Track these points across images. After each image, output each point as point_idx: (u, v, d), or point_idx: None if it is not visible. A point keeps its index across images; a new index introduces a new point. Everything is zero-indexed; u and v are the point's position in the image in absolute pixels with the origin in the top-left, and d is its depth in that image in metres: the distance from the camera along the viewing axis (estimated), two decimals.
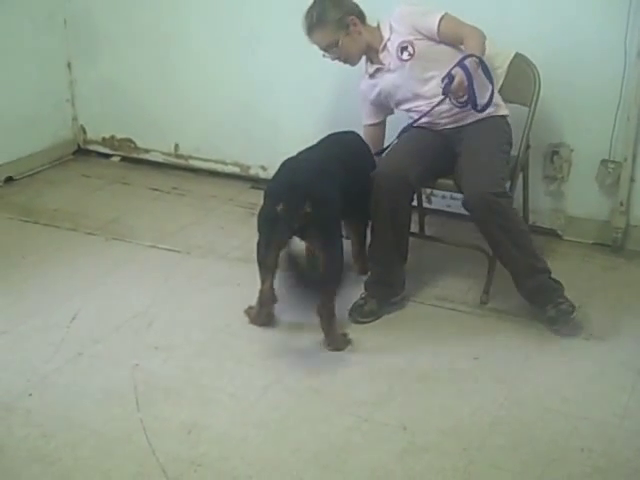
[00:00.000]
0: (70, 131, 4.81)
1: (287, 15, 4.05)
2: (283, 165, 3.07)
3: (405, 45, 3.22)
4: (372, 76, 3.37)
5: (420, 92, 3.27)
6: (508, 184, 3.27)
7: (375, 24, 3.33)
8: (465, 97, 3.05)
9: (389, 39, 3.27)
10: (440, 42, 3.22)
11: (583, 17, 3.50)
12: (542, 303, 3.10)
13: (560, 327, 3.05)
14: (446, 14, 3.20)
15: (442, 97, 3.09)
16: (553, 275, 3.12)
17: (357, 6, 3.32)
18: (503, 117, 3.30)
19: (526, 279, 3.10)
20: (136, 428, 2.57)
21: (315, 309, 2.95)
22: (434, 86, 3.21)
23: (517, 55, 3.33)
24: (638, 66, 3.44)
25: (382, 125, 3.49)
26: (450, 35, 3.20)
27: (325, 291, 2.94)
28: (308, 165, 3.05)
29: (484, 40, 3.16)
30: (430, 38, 3.21)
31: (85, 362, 2.90)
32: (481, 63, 3.07)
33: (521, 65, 3.34)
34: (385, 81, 3.33)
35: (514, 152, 3.34)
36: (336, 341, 2.99)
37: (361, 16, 3.31)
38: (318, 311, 2.95)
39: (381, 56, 3.31)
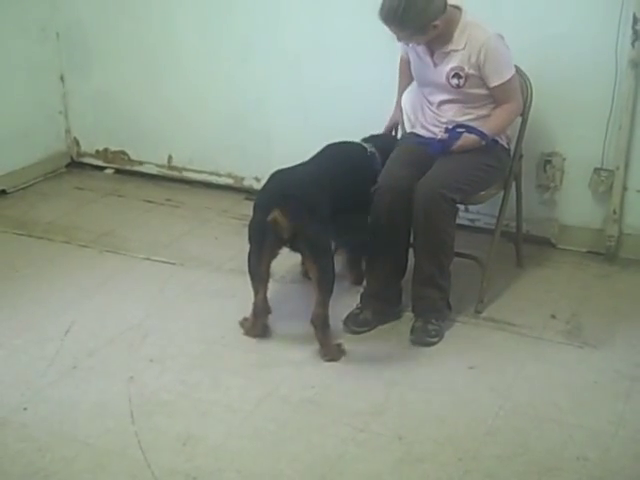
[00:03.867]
0: (63, 144, 4.81)
1: (279, 26, 4.09)
2: (272, 177, 3.08)
3: (461, 75, 3.10)
4: (417, 48, 3.19)
5: (433, 101, 3.24)
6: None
7: (458, 4, 3.07)
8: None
9: (456, 50, 3.09)
10: (485, 86, 3.15)
11: (574, 27, 3.51)
12: (418, 311, 3.14)
13: (415, 340, 3.08)
14: (512, 77, 3.12)
15: (438, 140, 3.16)
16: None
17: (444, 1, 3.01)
18: (501, 145, 3.27)
19: (419, 285, 3.13)
20: (131, 441, 2.56)
21: (309, 320, 2.96)
22: (447, 111, 3.20)
23: None
24: (629, 75, 3.45)
25: None
26: (497, 96, 3.15)
27: (318, 301, 2.94)
28: (297, 176, 3.06)
29: (510, 123, 3.23)
30: (482, 80, 3.12)
31: (80, 375, 2.90)
32: (485, 139, 3.12)
33: None
34: (422, 69, 3.22)
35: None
36: (331, 352, 2.99)
37: (445, 8, 3.00)
38: (312, 322, 2.95)
39: (437, 54, 3.13)
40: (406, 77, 3.42)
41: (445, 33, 3.08)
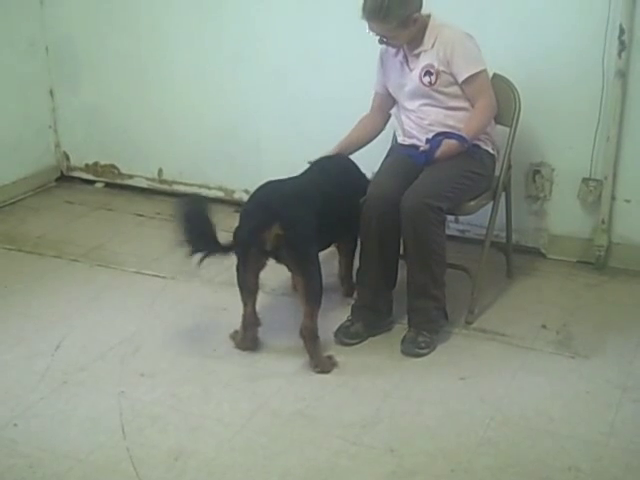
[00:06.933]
0: (53, 158, 4.80)
1: (269, 37, 4.10)
2: (260, 187, 3.11)
3: (432, 72, 3.17)
4: (394, 57, 3.29)
5: (412, 109, 3.28)
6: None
7: (427, 13, 3.19)
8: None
9: (426, 51, 3.19)
10: (458, 85, 3.20)
11: (561, 38, 3.54)
12: (412, 322, 3.15)
13: (404, 350, 3.09)
14: (482, 72, 3.17)
15: (419, 153, 3.17)
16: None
17: None
18: (487, 152, 3.29)
19: (414, 296, 3.15)
20: (122, 456, 2.55)
21: (298, 331, 2.96)
22: (429, 114, 3.23)
23: (496, 76, 3.35)
24: (616, 85, 3.48)
25: (390, 97, 3.40)
26: (468, 92, 3.20)
27: (306, 312, 2.95)
28: (281, 188, 3.08)
29: (489, 121, 3.24)
30: (452, 76, 3.18)
31: (70, 390, 2.89)
32: (465, 143, 3.13)
33: (501, 86, 3.36)
34: (401, 78, 3.28)
35: (496, 172, 3.37)
36: (321, 363, 2.99)
37: (420, 7, 3.15)
38: (301, 333, 2.96)
39: (410, 58, 3.24)
40: (363, 129, 3.44)
41: (417, 37, 3.19)
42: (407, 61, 3.25)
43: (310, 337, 2.96)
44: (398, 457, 2.54)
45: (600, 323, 3.29)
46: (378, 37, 3.16)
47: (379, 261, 3.16)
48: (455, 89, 3.21)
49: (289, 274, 3.37)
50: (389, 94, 3.38)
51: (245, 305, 3.07)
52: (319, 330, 2.99)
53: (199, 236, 3.04)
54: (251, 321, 3.09)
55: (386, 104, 3.42)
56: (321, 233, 2.99)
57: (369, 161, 3.51)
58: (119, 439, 2.63)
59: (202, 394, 2.87)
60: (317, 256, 3.01)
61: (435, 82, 3.19)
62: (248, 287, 3.04)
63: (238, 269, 3.03)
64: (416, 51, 3.21)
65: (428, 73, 3.19)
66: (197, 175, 4.50)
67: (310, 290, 2.95)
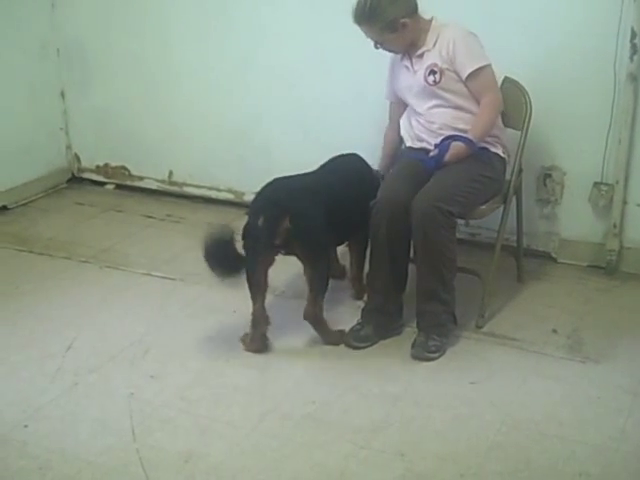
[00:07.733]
0: (64, 159, 4.82)
1: (278, 40, 4.11)
2: (268, 183, 3.14)
3: (435, 71, 3.19)
4: (400, 62, 3.32)
5: (421, 112, 3.28)
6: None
7: (428, 17, 3.22)
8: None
9: (429, 50, 3.21)
10: (462, 82, 3.21)
11: (573, 41, 3.53)
12: (421, 326, 3.15)
13: (414, 354, 3.09)
14: (486, 67, 3.18)
15: (429, 158, 3.18)
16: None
17: (413, 1, 3.18)
18: (497, 155, 3.29)
19: (423, 300, 3.14)
20: (132, 459, 2.55)
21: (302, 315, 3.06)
22: (438, 117, 3.23)
23: (507, 79, 3.35)
24: (628, 89, 3.47)
25: (402, 105, 3.42)
26: (473, 89, 3.20)
27: (309, 298, 3.03)
28: (290, 183, 3.12)
29: (495, 118, 3.24)
30: (456, 74, 3.19)
31: (81, 392, 2.89)
32: (473, 145, 3.13)
33: (512, 89, 3.36)
34: (407, 80, 3.30)
35: (507, 176, 3.36)
36: (330, 336, 3.09)
37: (414, 10, 3.17)
38: (305, 316, 3.05)
39: (414, 59, 3.26)
40: (391, 143, 3.49)
41: (418, 39, 3.21)
42: (411, 63, 3.27)
43: (314, 321, 3.06)
44: (408, 461, 2.54)
45: (611, 328, 3.28)
46: (373, 42, 3.20)
47: (389, 264, 3.15)
48: (461, 86, 3.21)
49: (300, 276, 3.39)
50: (401, 102, 3.40)
51: (254, 302, 3.08)
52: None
53: (226, 264, 3.04)
54: (260, 318, 3.09)
55: (402, 112, 3.43)
56: (330, 228, 3.03)
57: (374, 162, 3.54)
58: (129, 441, 2.63)
59: (212, 397, 2.87)
60: (326, 247, 3.08)
61: (440, 80, 3.19)
62: (258, 284, 3.05)
63: (247, 265, 3.04)
64: (419, 52, 3.23)
65: (432, 72, 3.20)
66: (207, 177, 4.50)
67: (315, 277, 3.02)
